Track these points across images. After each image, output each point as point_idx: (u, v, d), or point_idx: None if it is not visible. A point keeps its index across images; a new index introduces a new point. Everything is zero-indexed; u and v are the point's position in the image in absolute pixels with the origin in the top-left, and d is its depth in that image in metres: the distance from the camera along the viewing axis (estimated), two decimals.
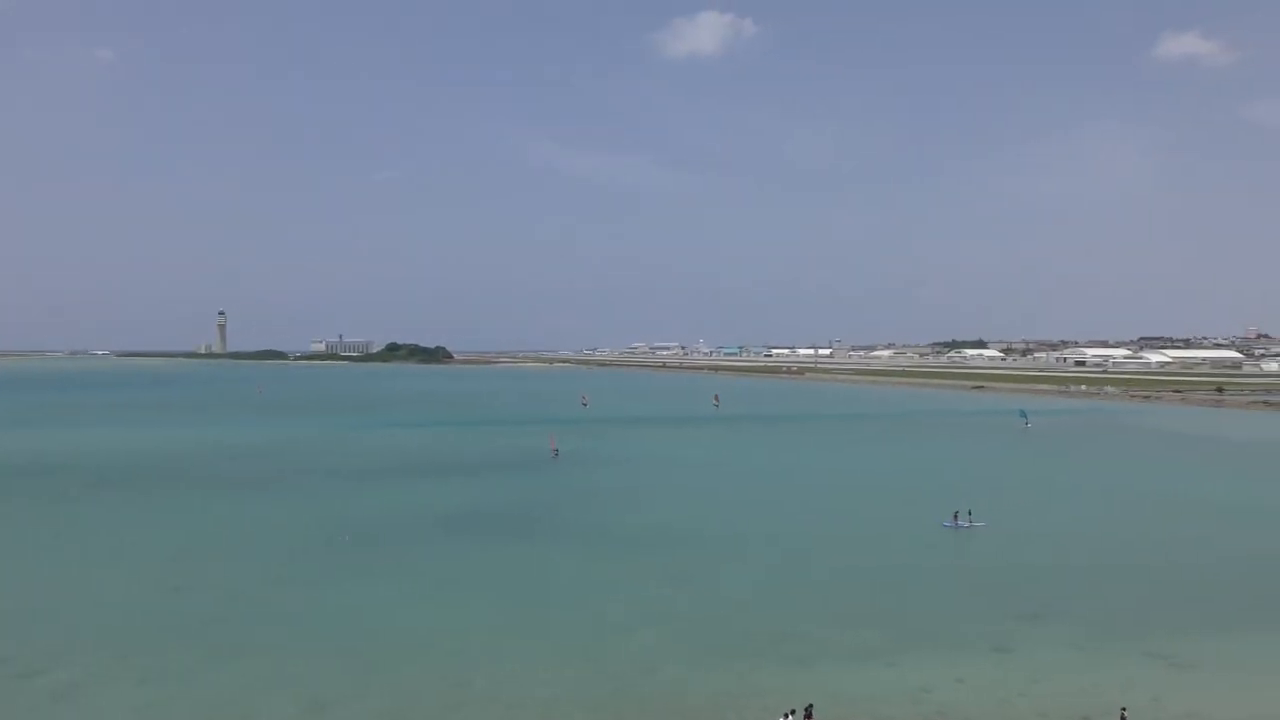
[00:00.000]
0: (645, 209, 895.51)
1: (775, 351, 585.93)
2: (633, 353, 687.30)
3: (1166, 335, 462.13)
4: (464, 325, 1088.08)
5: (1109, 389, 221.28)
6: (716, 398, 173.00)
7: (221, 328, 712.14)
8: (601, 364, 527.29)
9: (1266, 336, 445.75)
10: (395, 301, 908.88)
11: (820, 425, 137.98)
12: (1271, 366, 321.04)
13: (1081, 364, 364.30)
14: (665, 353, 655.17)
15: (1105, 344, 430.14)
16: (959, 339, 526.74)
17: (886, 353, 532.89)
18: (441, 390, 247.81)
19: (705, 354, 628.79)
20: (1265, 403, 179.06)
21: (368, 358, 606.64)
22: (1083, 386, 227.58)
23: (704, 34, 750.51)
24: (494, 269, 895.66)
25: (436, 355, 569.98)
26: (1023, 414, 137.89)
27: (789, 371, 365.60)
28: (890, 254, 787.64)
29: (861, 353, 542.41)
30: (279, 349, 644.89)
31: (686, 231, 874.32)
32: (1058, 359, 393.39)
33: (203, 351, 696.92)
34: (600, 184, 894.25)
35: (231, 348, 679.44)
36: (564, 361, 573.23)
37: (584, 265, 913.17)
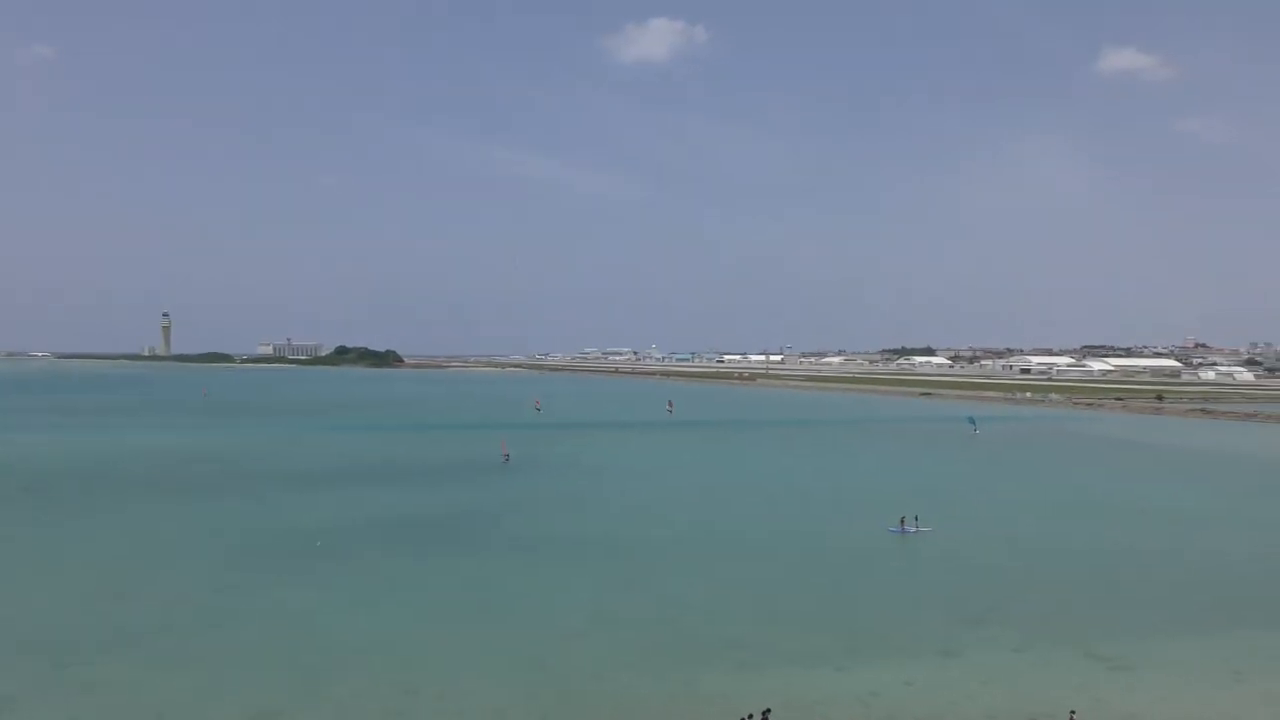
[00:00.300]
0: (596, 215, 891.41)
1: (727, 357, 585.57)
2: (585, 358, 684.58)
3: (1109, 344, 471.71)
4: (414, 330, 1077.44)
5: (1053, 396, 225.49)
6: (670, 405, 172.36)
7: (166, 329, 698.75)
8: (554, 369, 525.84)
9: (1204, 346, 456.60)
10: (344, 305, 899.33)
11: (770, 431, 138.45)
12: (1209, 375, 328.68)
13: (1027, 371, 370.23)
14: (618, 358, 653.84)
15: (1050, 352, 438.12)
16: (908, 346, 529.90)
17: (837, 359, 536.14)
18: (391, 394, 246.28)
19: (658, 360, 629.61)
20: (1203, 410, 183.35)
21: (316, 361, 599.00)
22: (1028, 394, 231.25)
23: (655, 40, 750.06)
24: (444, 274, 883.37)
25: (386, 359, 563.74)
26: (971, 420, 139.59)
27: (740, 378, 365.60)
28: (838, 262, 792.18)
29: (812, 359, 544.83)
30: (225, 351, 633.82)
31: (636, 237, 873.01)
32: (1004, 366, 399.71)
33: (146, 354, 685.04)
34: (551, 190, 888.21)
35: (176, 350, 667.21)
36: (516, 366, 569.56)
37: (535, 271, 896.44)
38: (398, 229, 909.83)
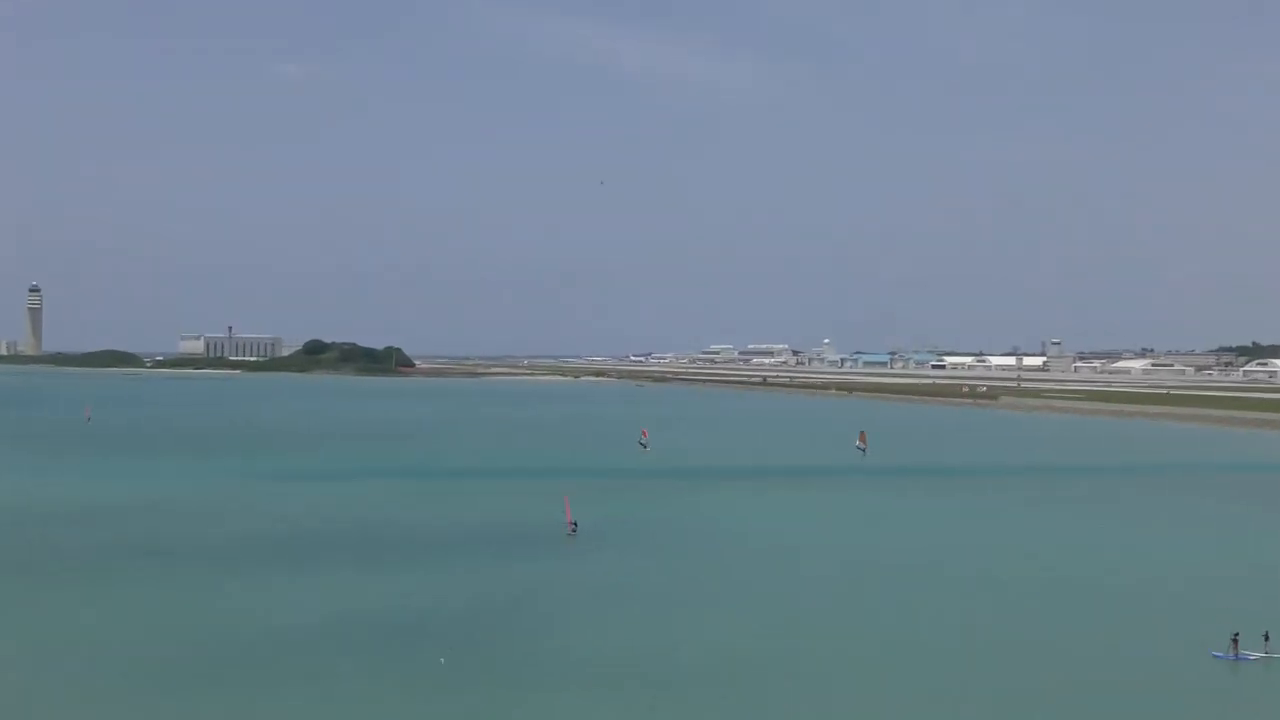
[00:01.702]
0: (729, 126, 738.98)
1: (950, 360, 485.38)
2: (711, 361, 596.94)
3: None
4: (435, 317, 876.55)
5: None
6: (863, 438, 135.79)
7: (34, 312, 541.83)
8: (658, 378, 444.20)
9: None
10: (322, 278, 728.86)
11: (1030, 484, 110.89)
12: None
13: None
14: (768, 362, 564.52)
15: None
16: (1262, 343, 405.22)
17: (1139, 364, 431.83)
18: (395, 417, 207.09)
19: (832, 363, 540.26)
20: None
21: (274, 364, 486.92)
22: None
23: None
24: (477, 226, 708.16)
25: (385, 361, 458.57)
26: None
27: (970, 394, 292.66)
28: (1138, 206, 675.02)
29: (1098, 363, 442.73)
30: (129, 350, 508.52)
31: (797, 162, 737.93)
32: None
33: (3, 352, 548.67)
34: (657, 87, 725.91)
35: (52, 346, 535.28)
36: (598, 374, 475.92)
37: (633, 221, 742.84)
38: (403, 148, 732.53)
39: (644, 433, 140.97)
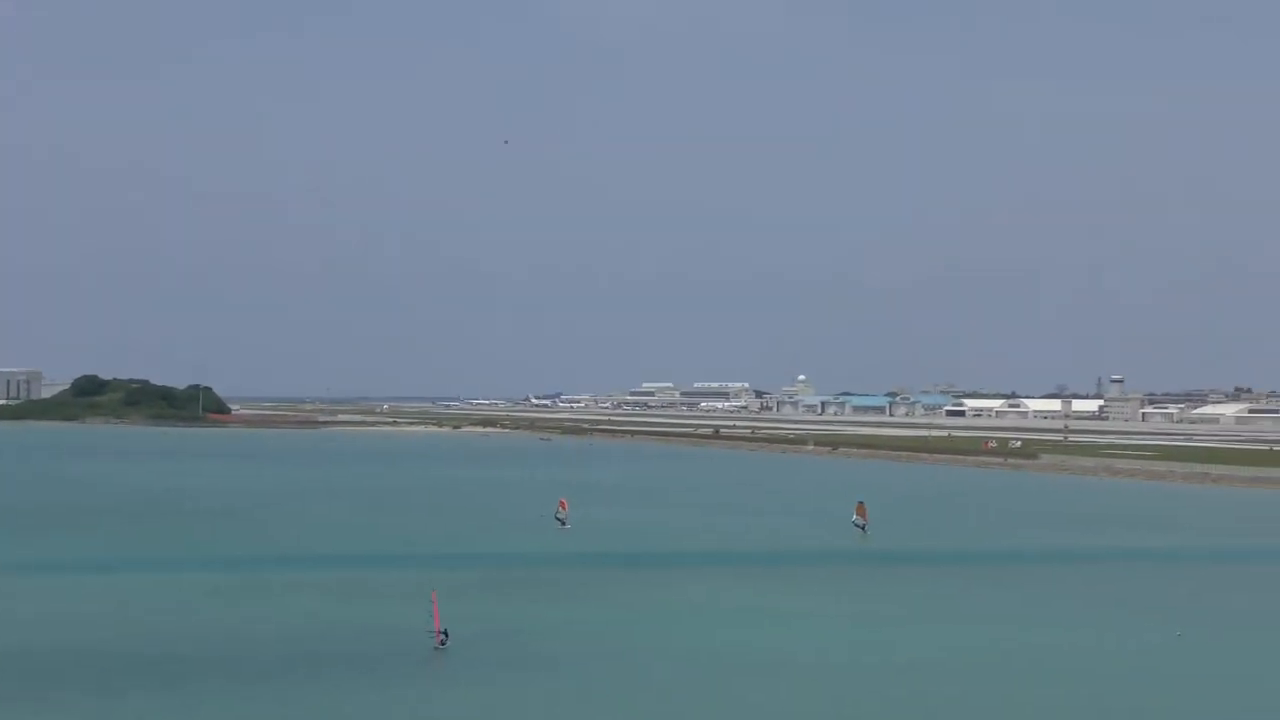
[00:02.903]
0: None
1: (972, 405, 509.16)
2: (645, 405, 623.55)
3: None
4: (257, 347, 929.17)
5: None
6: (861, 510, 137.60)
7: None
8: (572, 428, 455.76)
9: None
10: (101, 293, 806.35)
11: (1081, 578, 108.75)
12: None
13: None
14: (722, 405, 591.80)
15: None
16: None
17: (1231, 409, 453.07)
18: (203, 484, 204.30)
19: (809, 408, 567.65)
20: None
21: (30, 409, 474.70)
22: None
23: None
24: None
25: (189, 405, 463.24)
26: None
27: (997, 451, 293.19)
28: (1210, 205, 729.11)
29: (1175, 409, 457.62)
30: None
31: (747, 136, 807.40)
32: None
33: None
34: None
35: None
36: (485, 423, 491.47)
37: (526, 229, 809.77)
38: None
39: (562, 504, 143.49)
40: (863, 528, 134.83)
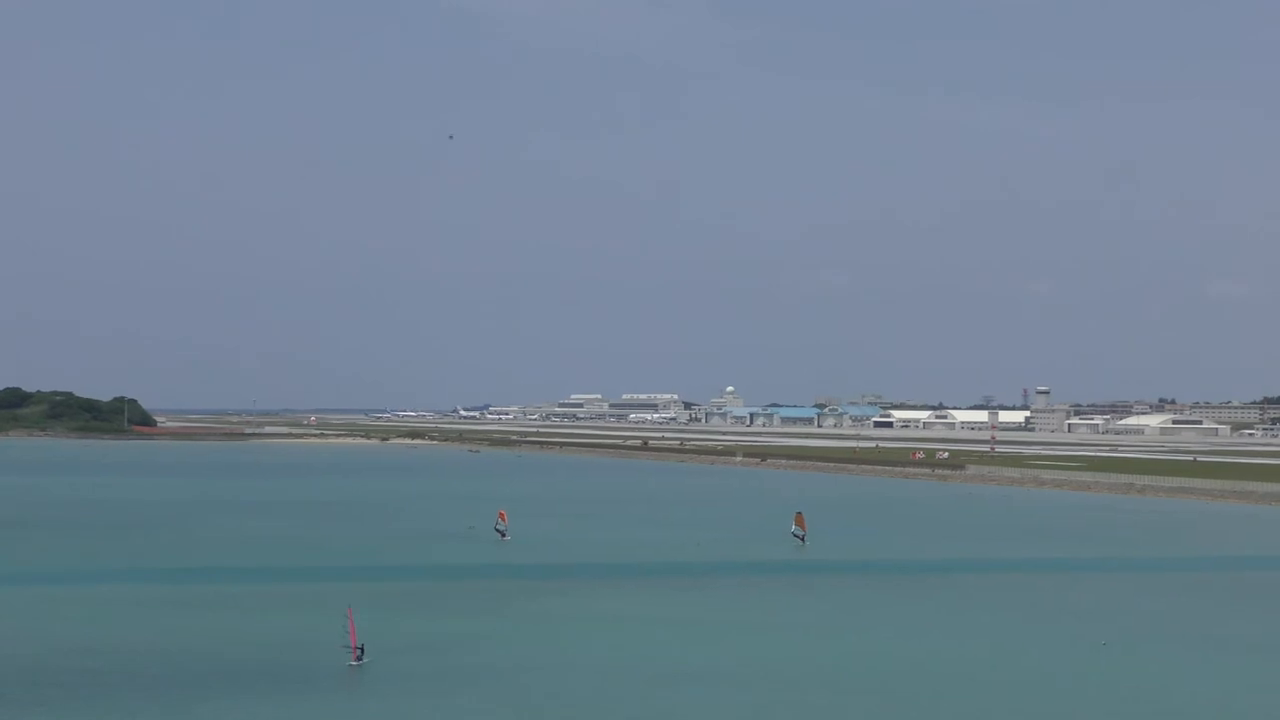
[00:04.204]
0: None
1: (900, 415, 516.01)
2: (573, 416, 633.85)
3: None
4: (184, 359, 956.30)
5: None
6: (800, 521, 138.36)
7: None
8: (500, 440, 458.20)
9: None
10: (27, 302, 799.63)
11: (1018, 588, 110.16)
12: None
13: None
14: (651, 417, 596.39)
15: None
16: None
17: (1155, 420, 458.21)
18: (126, 496, 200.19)
19: (738, 419, 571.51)
20: None
21: None
22: None
23: None
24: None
25: (114, 417, 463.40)
26: None
27: (925, 462, 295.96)
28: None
29: (1100, 420, 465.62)
30: None
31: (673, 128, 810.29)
32: None
33: None
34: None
35: None
36: (413, 435, 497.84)
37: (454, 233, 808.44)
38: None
39: (501, 515, 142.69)
40: (802, 538, 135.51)
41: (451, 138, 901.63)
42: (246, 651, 77.82)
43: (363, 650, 73.84)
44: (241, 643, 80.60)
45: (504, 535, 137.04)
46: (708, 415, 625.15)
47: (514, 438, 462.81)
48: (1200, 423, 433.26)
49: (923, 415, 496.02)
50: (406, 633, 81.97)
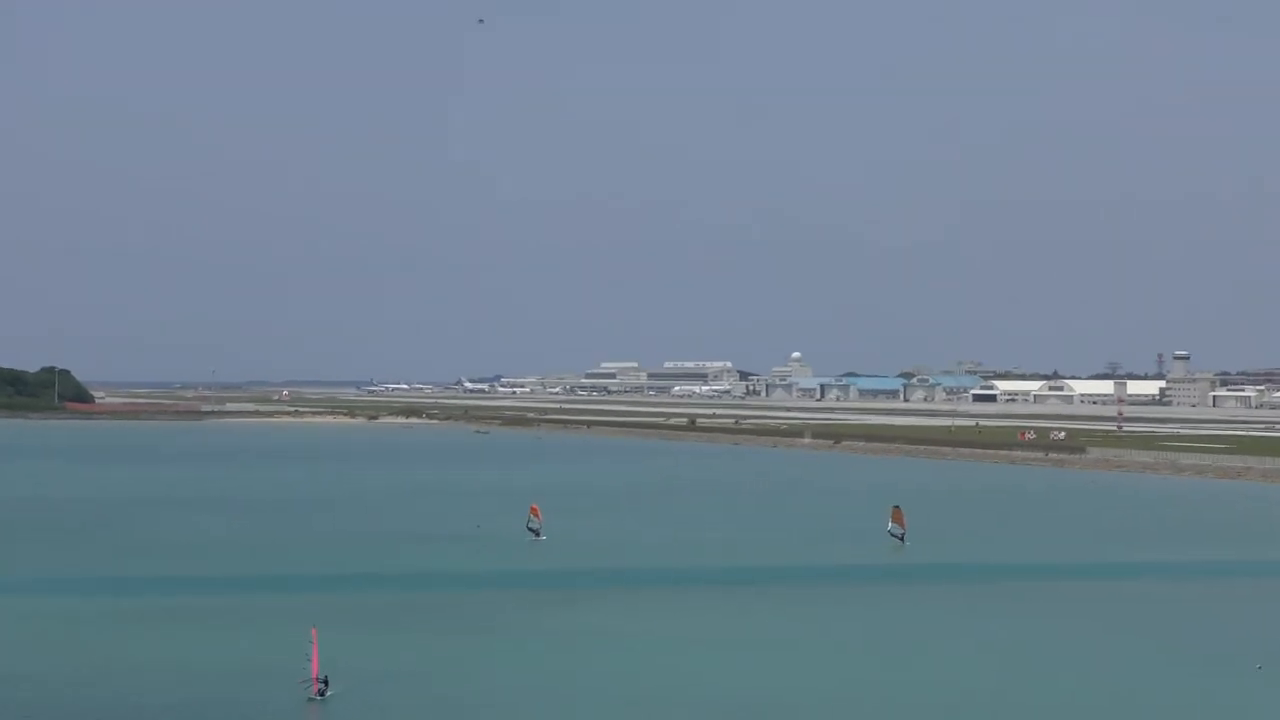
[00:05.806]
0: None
1: (1005, 387, 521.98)
2: (604, 389, 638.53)
3: None
4: (125, 318, 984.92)
5: None
6: (898, 516, 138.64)
7: None
8: (515, 419, 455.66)
9: None
10: None
11: (1154, 600, 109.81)
12: None
13: None
14: (700, 390, 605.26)
15: None
16: None
17: None
18: (56, 492, 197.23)
19: (805, 392, 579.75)
20: None
21: None
22: None
23: None
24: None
25: (43, 392, 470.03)
26: None
27: (1036, 443, 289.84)
28: None
29: (1255, 391, 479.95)
30: None
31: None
32: None
33: None
34: None
35: None
36: (408, 413, 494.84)
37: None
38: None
39: (534, 511, 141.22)
40: (901, 537, 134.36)
41: (482, 21, 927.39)
42: (190, 681, 75.72)
43: (326, 683, 71.90)
44: (185, 669, 78.49)
45: (538, 535, 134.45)
46: (769, 388, 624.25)
47: (531, 415, 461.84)
48: None
49: (1033, 386, 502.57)
50: (385, 658, 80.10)
